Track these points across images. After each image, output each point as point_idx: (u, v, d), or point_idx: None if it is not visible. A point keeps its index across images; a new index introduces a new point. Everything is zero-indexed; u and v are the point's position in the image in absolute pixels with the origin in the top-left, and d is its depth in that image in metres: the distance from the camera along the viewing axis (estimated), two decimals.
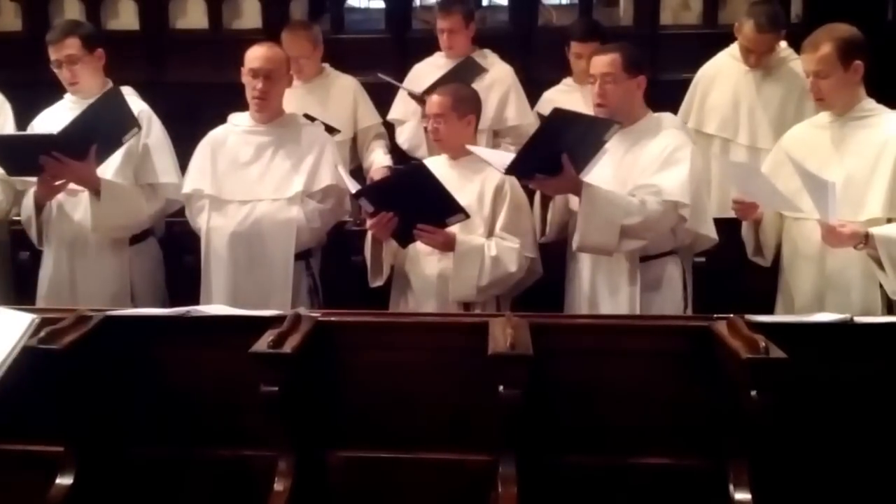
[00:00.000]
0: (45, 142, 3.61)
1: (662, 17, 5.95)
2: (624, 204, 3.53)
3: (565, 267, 3.88)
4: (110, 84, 4.03)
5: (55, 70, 3.99)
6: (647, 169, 3.61)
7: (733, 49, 4.73)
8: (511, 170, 3.52)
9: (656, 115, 3.80)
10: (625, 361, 2.96)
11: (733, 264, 3.91)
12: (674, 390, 2.96)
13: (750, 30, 4.49)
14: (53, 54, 3.95)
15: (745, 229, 3.78)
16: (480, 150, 3.86)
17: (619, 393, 2.96)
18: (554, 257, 3.86)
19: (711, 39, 5.63)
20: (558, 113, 3.51)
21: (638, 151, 3.67)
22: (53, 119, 3.98)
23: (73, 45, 3.94)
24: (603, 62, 3.67)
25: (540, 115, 4.70)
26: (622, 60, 3.64)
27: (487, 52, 5.14)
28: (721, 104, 4.72)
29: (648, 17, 5.91)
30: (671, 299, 3.70)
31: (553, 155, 3.44)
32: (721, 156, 4.61)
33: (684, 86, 4.87)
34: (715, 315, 3.02)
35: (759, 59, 4.57)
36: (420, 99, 4.69)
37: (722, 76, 4.74)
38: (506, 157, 3.62)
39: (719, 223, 3.81)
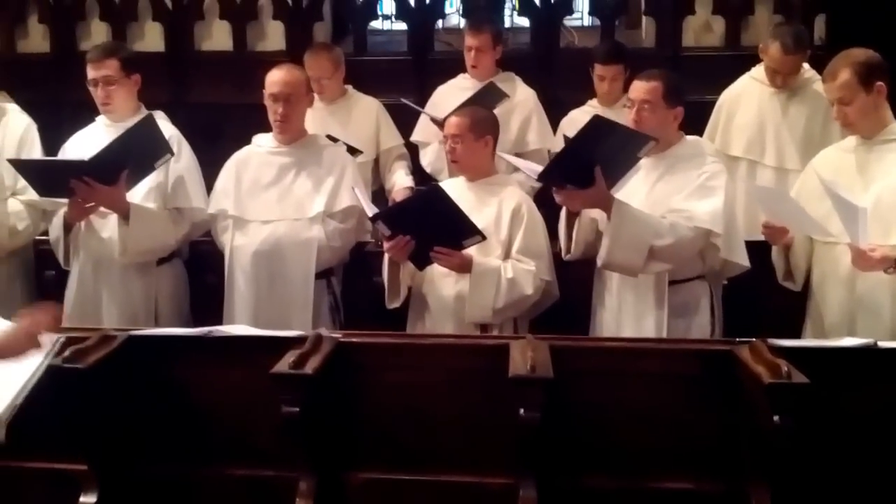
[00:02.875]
0: (76, 167, 3.67)
1: (685, 38, 5.93)
2: (654, 224, 3.52)
3: (588, 288, 3.87)
4: (143, 108, 4.08)
5: (90, 88, 4.03)
6: (681, 194, 3.60)
7: (756, 71, 4.72)
8: (543, 176, 3.52)
9: (692, 139, 3.79)
10: (646, 384, 2.96)
11: (759, 286, 3.88)
12: (695, 414, 2.95)
13: (776, 51, 4.48)
14: (91, 73, 3.99)
15: (776, 254, 3.76)
16: (511, 158, 3.86)
17: (639, 416, 2.96)
18: (575, 278, 3.86)
19: (734, 61, 5.62)
20: (598, 120, 3.49)
21: (672, 177, 3.66)
22: (87, 141, 4.03)
23: (111, 67, 3.98)
24: (643, 88, 3.64)
25: (565, 137, 4.69)
26: (663, 89, 3.62)
27: (510, 74, 5.14)
28: (746, 126, 4.71)
29: (670, 40, 5.89)
30: (699, 324, 3.67)
31: (586, 166, 3.43)
32: (749, 180, 4.59)
33: (707, 108, 4.86)
34: (738, 339, 3.01)
35: (785, 79, 4.56)
36: (441, 124, 4.70)
37: (746, 98, 4.73)
38: (535, 165, 3.62)
39: (746, 246, 3.77)
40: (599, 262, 3.62)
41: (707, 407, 2.95)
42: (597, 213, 3.64)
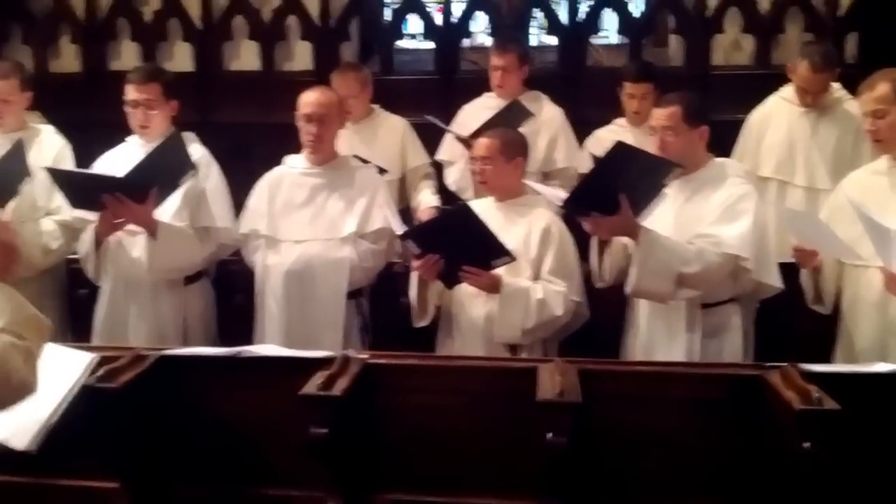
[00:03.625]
0: (110, 183, 3.72)
1: (714, 57, 5.92)
2: (681, 251, 3.50)
3: (620, 309, 3.86)
4: (173, 128, 4.12)
5: (128, 109, 4.05)
6: (708, 218, 3.58)
7: (785, 91, 4.71)
8: (568, 204, 3.52)
9: (719, 161, 3.77)
10: (674, 409, 2.94)
11: (791, 309, 3.85)
12: (724, 440, 2.92)
13: (805, 69, 4.46)
14: (132, 94, 4.03)
15: (805, 277, 3.73)
16: (536, 185, 3.87)
17: (667, 441, 2.93)
18: (606, 299, 3.84)
19: (764, 80, 5.59)
20: (621, 147, 3.49)
21: (699, 200, 3.64)
22: (118, 159, 4.08)
23: (154, 91, 4.03)
24: (663, 115, 3.64)
25: (592, 155, 4.69)
26: (682, 112, 3.61)
27: (537, 93, 5.15)
28: (776, 146, 4.69)
29: (699, 58, 5.88)
30: (731, 347, 3.65)
31: (611, 193, 3.43)
32: (779, 201, 4.57)
33: (737, 127, 4.85)
34: (768, 363, 2.99)
35: (814, 98, 4.54)
36: (467, 142, 4.71)
37: (775, 118, 4.71)
38: (560, 192, 3.62)
39: (779, 268, 3.74)
40: (628, 289, 3.60)
41: (736, 433, 2.92)
42: (627, 239, 3.63)
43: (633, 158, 3.46)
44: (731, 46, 6.01)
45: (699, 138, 3.66)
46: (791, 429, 2.66)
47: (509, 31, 5.93)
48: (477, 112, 5.03)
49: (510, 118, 4.55)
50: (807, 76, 4.48)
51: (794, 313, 3.86)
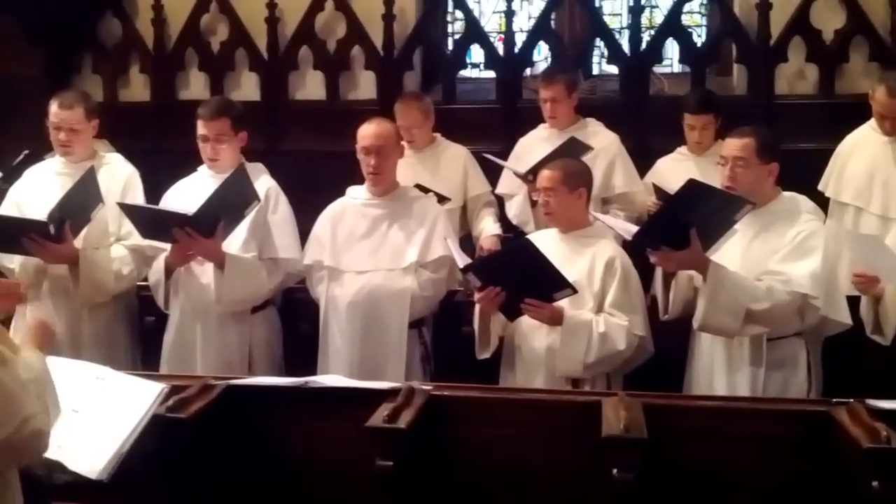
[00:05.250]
0: (180, 218, 3.82)
1: (777, 86, 5.85)
2: (751, 288, 3.47)
3: (685, 342, 3.82)
4: (242, 158, 4.21)
5: (200, 143, 4.15)
6: (777, 254, 3.54)
7: (874, 120, 4.64)
8: (637, 238, 3.52)
9: (789, 195, 3.73)
10: (740, 446, 2.92)
11: (854, 342, 3.78)
12: (792, 477, 2.89)
13: (882, 94, 4.40)
14: (202, 129, 4.12)
15: (864, 306, 3.68)
16: (605, 218, 3.86)
17: (733, 478, 2.91)
18: (671, 331, 3.80)
19: (828, 110, 5.57)
20: (693, 184, 3.47)
21: (769, 235, 3.60)
22: (189, 190, 4.17)
23: (223, 126, 4.11)
24: (736, 146, 3.61)
25: (655, 186, 4.67)
26: (756, 146, 3.58)
27: (591, 121, 5.13)
28: (858, 174, 4.62)
29: (763, 87, 5.82)
30: (795, 382, 3.59)
31: (681, 228, 3.41)
32: (854, 228, 4.49)
33: (800, 156, 4.76)
34: (834, 399, 2.95)
35: (893, 125, 4.47)
36: (524, 178, 4.72)
37: (862, 147, 4.65)
38: (629, 225, 3.60)
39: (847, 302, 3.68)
40: (696, 324, 3.58)
41: (804, 470, 2.89)
42: (693, 271, 3.60)
43: (707, 195, 3.45)
44: (795, 75, 5.94)
45: (769, 174, 3.63)
46: (859, 467, 2.63)
47: (558, 63, 5.94)
48: (533, 144, 5.03)
49: (567, 154, 4.52)
50: (884, 101, 4.40)
51: (859, 347, 3.79)
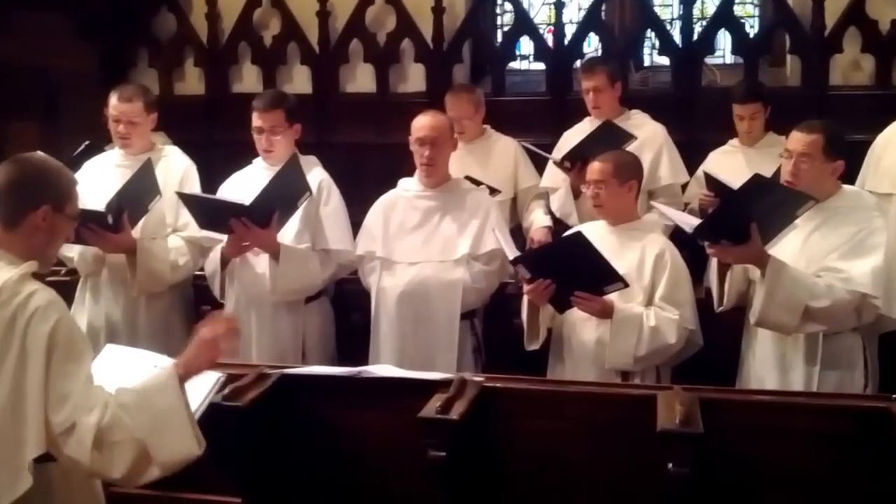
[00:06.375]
0: (236, 209, 3.87)
1: (832, 77, 5.76)
2: (810, 284, 3.42)
3: (734, 335, 3.78)
4: (296, 151, 4.23)
5: (255, 135, 4.20)
6: (837, 251, 3.48)
7: None
8: (698, 232, 3.50)
9: (851, 190, 3.67)
10: (795, 442, 2.89)
11: None
12: (850, 474, 2.86)
13: None
14: (257, 121, 4.18)
15: None
16: (665, 209, 3.84)
17: (790, 475, 2.88)
18: (720, 324, 3.78)
19: (883, 101, 5.45)
20: (757, 179, 3.44)
21: (828, 230, 3.53)
22: (245, 182, 4.23)
23: (277, 117, 4.17)
24: (802, 141, 3.53)
25: (707, 176, 4.62)
26: (823, 143, 3.50)
27: (636, 112, 5.07)
28: (893, 163, 4.55)
29: (817, 78, 5.73)
30: (851, 379, 3.53)
31: (742, 222, 3.39)
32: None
33: (854, 148, 4.69)
34: (894, 395, 2.90)
35: None
36: (561, 165, 4.70)
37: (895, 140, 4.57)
38: (690, 218, 3.57)
39: None
40: (752, 319, 3.54)
41: (862, 468, 2.85)
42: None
43: (769, 191, 3.42)
44: (850, 66, 5.84)
45: (832, 172, 3.55)
46: None
47: (608, 55, 5.90)
48: (576, 137, 4.96)
49: (604, 139, 4.47)
50: None
51: None
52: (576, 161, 4.55)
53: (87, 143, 5.00)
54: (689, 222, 3.57)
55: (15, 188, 2.46)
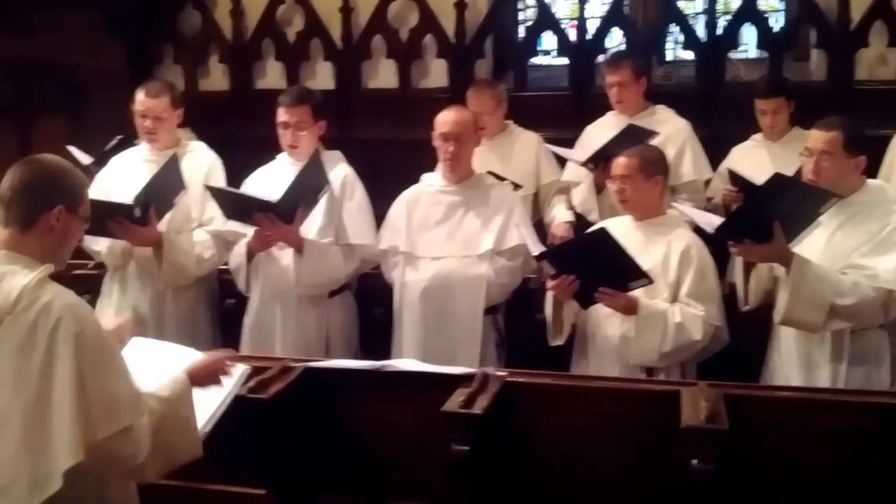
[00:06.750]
0: (263, 204, 3.90)
1: (857, 72, 5.71)
2: (836, 282, 3.38)
3: (759, 331, 3.75)
4: (320, 146, 4.27)
5: (280, 130, 4.23)
6: (862, 247, 3.45)
7: None
8: (720, 231, 3.48)
9: (875, 184, 3.62)
10: (822, 440, 2.88)
11: None
12: (877, 473, 2.84)
13: None
14: (283, 116, 4.20)
15: None
16: (685, 209, 3.81)
17: (816, 473, 2.87)
18: (745, 321, 3.76)
19: None
20: (778, 177, 3.42)
21: (853, 227, 3.50)
22: (270, 177, 4.26)
23: (304, 113, 4.19)
24: (822, 139, 3.50)
25: (731, 172, 4.60)
26: (843, 139, 3.46)
27: (660, 107, 5.04)
28: None
29: (842, 73, 5.69)
30: (877, 376, 3.49)
31: (764, 220, 3.37)
32: None
33: (880, 143, 4.67)
34: None
35: None
36: (586, 166, 4.69)
37: None
38: (712, 217, 3.56)
39: None
40: (777, 318, 3.50)
41: (885, 465, 2.83)
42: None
43: (791, 189, 3.40)
44: (876, 61, 5.78)
45: (855, 167, 3.51)
46: None
47: (631, 49, 5.87)
48: (599, 132, 4.96)
49: (627, 142, 4.45)
50: None
51: None
52: (599, 162, 4.54)
53: (119, 137, 5.05)
54: (709, 221, 3.55)
55: (29, 189, 2.45)
